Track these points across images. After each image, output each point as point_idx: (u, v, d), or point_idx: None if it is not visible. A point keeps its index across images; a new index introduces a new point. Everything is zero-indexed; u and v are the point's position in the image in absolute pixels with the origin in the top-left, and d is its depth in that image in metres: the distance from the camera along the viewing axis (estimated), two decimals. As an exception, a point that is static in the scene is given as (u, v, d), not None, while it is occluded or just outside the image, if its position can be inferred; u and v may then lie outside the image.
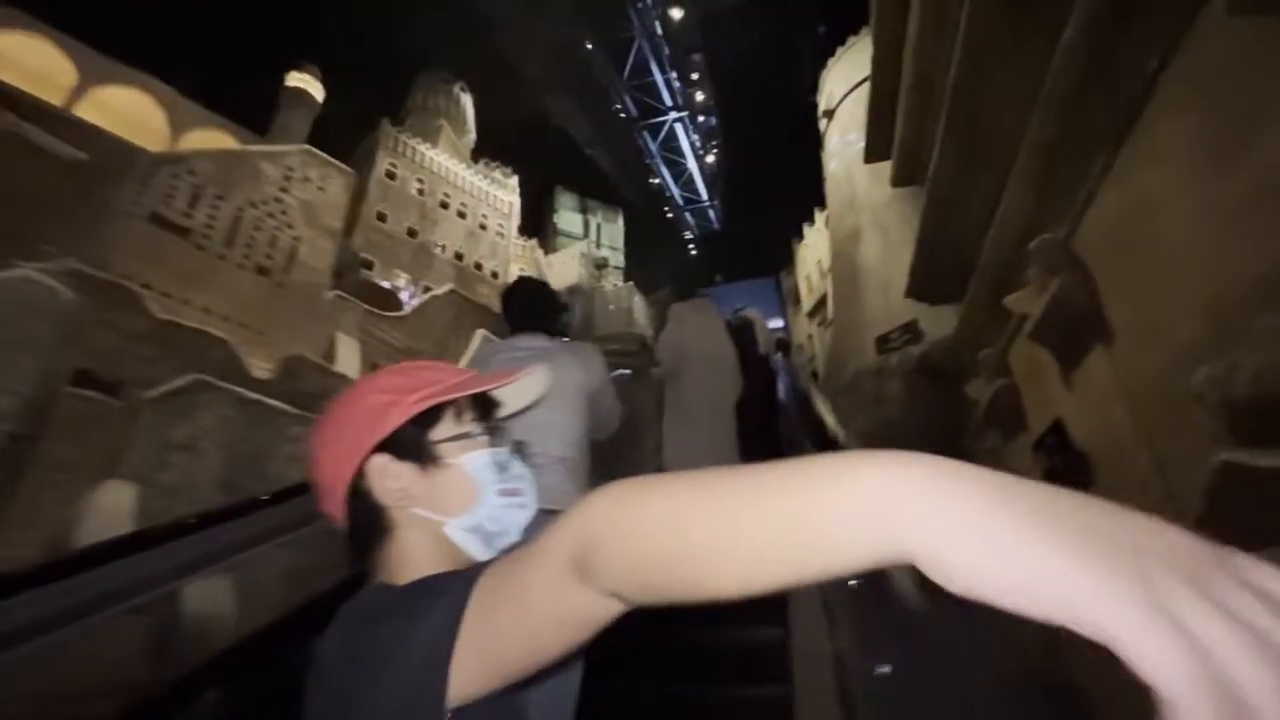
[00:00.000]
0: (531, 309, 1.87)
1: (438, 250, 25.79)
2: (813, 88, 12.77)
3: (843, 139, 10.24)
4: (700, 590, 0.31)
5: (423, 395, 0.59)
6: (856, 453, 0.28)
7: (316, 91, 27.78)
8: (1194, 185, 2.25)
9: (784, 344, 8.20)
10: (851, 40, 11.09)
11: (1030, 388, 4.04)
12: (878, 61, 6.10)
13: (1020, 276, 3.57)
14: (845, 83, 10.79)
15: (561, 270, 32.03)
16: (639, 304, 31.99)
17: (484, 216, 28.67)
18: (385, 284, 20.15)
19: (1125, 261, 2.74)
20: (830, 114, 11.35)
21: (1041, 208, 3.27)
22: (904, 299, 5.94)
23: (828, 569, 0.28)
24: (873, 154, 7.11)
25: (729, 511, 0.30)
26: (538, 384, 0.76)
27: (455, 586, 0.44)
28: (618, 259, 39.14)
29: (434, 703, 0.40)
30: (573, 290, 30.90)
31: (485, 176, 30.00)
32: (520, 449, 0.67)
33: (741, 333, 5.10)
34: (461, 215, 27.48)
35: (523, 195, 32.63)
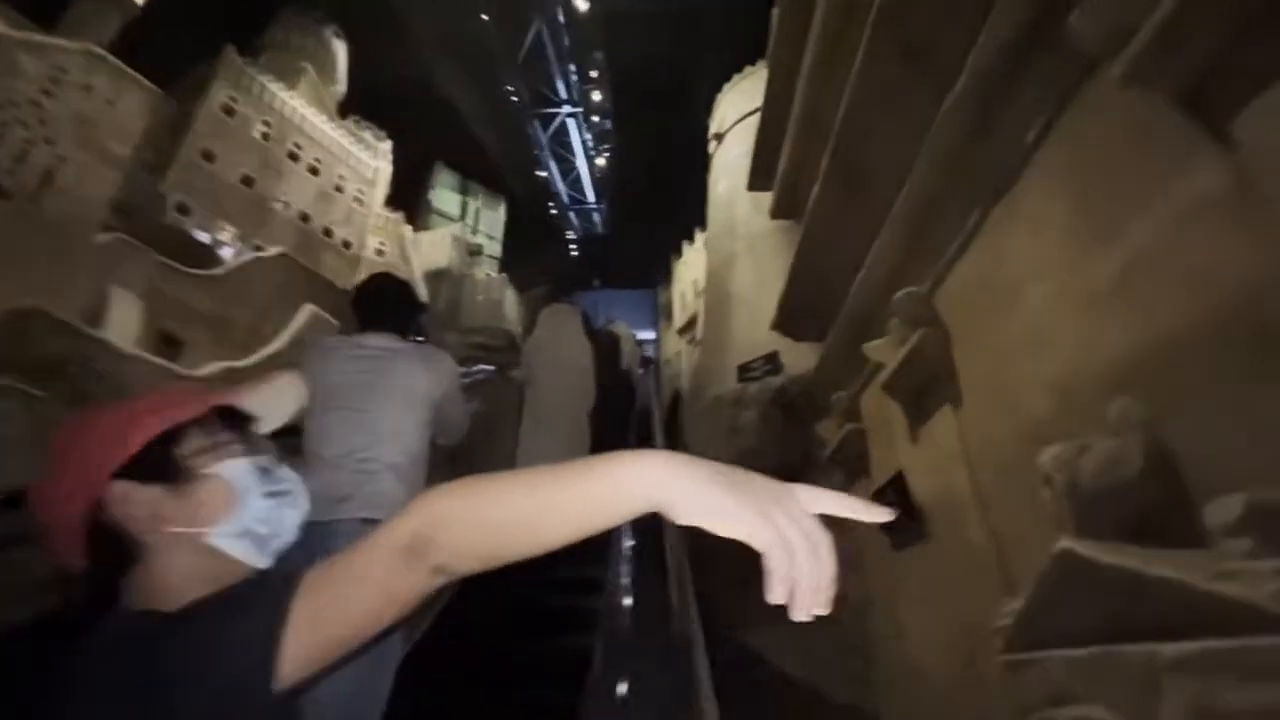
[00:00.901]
0: (385, 308, 1.82)
1: (279, 206, 22.56)
2: (707, 109, 12.94)
3: (729, 164, 10.39)
4: (533, 548, 0.49)
5: (164, 414, 0.60)
6: (626, 451, 0.50)
7: (134, -14, 23.12)
8: (1060, 258, 2.20)
9: (648, 361, 7.99)
10: (748, 69, 11.35)
11: (877, 436, 4.08)
12: (770, 91, 6.06)
13: (882, 325, 3.55)
14: (737, 109, 11.00)
15: (431, 251, 29.80)
16: (511, 298, 30.75)
17: (342, 178, 25.72)
18: (203, 236, 17.01)
19: (983, 325, 2.73)
20: (720, 137, 11.52)
21: (912, 259, 3.23)
22: (769, 330, 5.94)
23: (617, 517, 0.49)
24: (756, 183, 7.13)
25: (547, 491, 0.49)
26: (292, 397, 0.88)
27: (274, 585, 0.50)
28: (494, 248, 37.36)
29: (263, 681, 0.46)
30: (441, 274, 28.92)
31: (352, 136, 27.03)
32: (282, 456, 0.68)
33: (607, 346, 5.05)
34: (314, 172, 24.36)
35: (397, 166, 29.95)
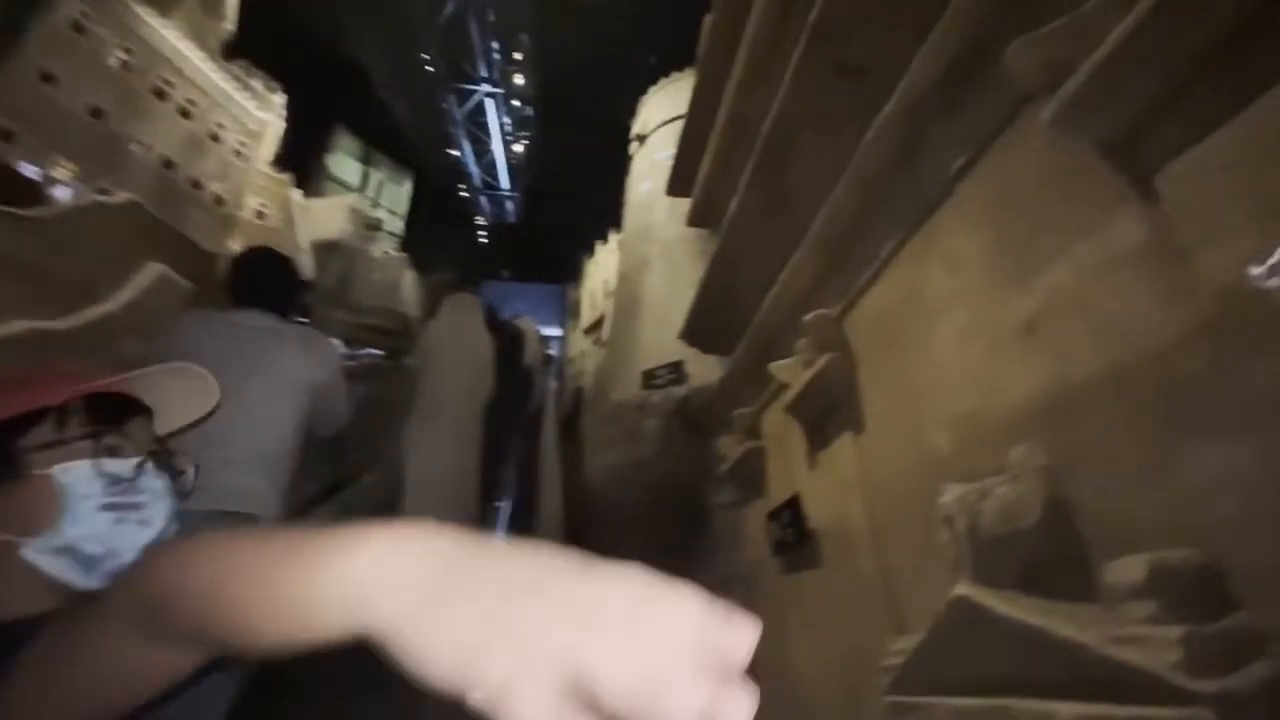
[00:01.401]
0: (265, 285, 1.70)
1: (136, 149, 19.53)
2: (631, 110, 12.79)
3: (650, 167, 10.28)
4: (238, 641, 0.34)
5: (8, 396, 0.55)
6: (367, 529, 0.31)
7: None
8: (974, 296, 2.17)
9: (551, 359, 7.73)
10: (676, 75, 11.33)
11: (776, 456, 4.05)
12: (697, 97, 5.96)
13: (790, 344, 3.50)
14: (662, 113, 10.93)
15: (323, 219, 27.31)
16: (410, 281, 28.92)
17: (221, 126, 22.83)
18: (30, 169, 14.23)
19: (891, 355, 2.71)
20: (643, 139, 11.40)
21: (826, 281, 3.18)
22: (677, 339, 5.83)
23: (319, 636, 0.31)
24: (675, 188, 7.02)
25: (257, 579, 0.33)
26: (203, 389, 0.71)
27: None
28: (396, 225, 34.96)
29: None
30: (332, 246, 26.68)
31: (237, 82, 24.16)
32: (152, 462, 0.63)
33: (510, 341, 4.82)
34: (185, 115, 21.38)
35: (291, 124, 27.12)
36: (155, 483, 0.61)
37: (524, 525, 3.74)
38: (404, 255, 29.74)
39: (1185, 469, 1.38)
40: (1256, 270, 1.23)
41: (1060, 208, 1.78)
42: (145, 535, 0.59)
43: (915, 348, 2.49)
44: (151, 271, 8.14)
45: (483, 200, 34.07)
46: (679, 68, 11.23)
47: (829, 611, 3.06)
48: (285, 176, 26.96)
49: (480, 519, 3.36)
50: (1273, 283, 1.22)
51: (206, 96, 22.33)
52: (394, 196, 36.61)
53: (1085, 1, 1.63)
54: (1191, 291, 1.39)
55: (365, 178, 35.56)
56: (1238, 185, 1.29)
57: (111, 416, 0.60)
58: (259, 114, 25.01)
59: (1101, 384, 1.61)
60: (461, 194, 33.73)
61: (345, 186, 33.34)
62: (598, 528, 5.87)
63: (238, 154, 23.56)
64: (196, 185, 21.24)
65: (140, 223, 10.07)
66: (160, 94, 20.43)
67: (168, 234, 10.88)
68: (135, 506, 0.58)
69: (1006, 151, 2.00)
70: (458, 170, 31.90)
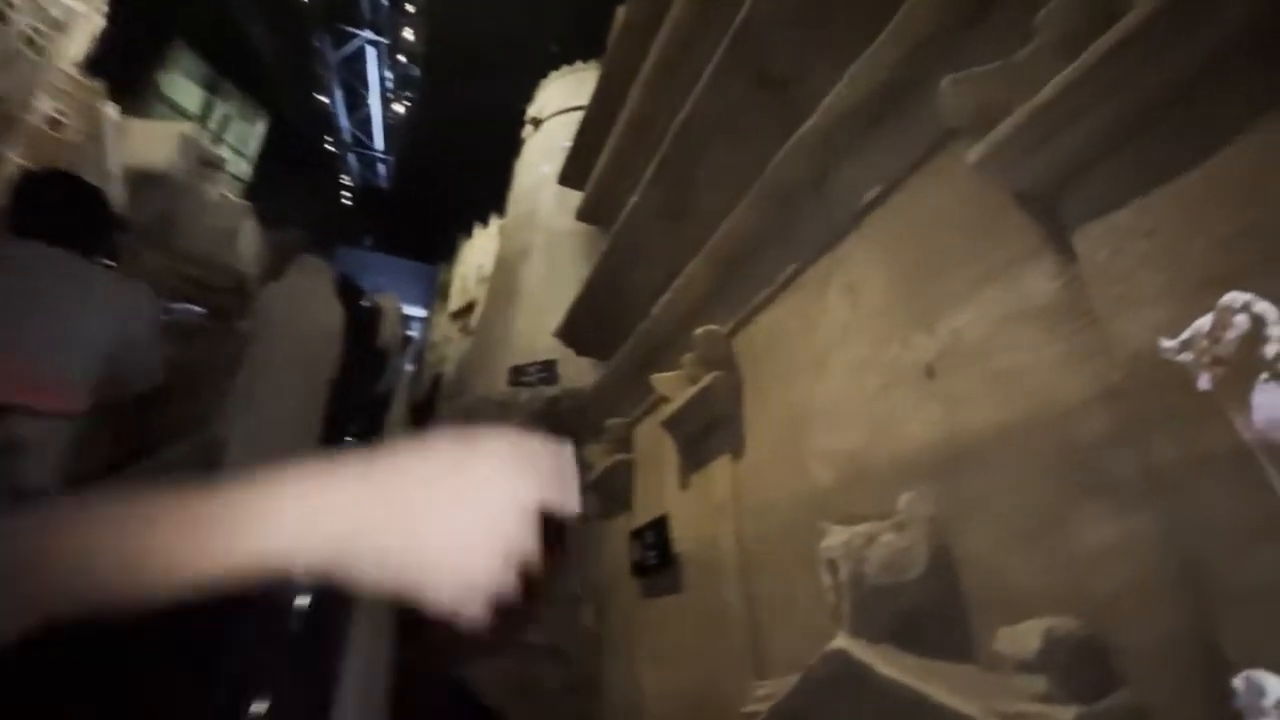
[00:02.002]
0: (62, 216, 1.43)
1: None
2: (526, 93, 12.19)
3: (543, 154, 9.82)
4: (125, 597, 0.34)
5: None
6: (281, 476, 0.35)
7: None
8: (872, 332, 2.11)
9: (410, 340, 7.06)
10: (581, 66, 10.96)
11: (646, 472, 3.86)
12: (602, 86, 5.68)
13: (675, 357, 3.33)
14: (562, 100, 10.51)
15: (145, 145, 22.80)
16: (252, 234, 25.27)
17: (10, 5, 18.24)
18: None
19: (780, 381, 2.61)
20: (538, 123, 10.88)
21: (719, 296, 3.04)
22: (552, 336, 5.47)
23: (245, 570, 0.33)
24: (568, 179, 6.67)
25: (150, 534, 0.34)
26: None
27: None
28: (241, 168, 30.36)
29: None
30: (156, 179, 22.56)
31: (42, -46, 19.48)
32: None
33: (364, 315, 4.24)
34: (-41, -21, 16.77)
35: (120, 26, 22.39)
36: None
37: None
38: (247, 203, 25.84)
39: (1078, 535, 1.35)
40: (1168, 343, 1.19)
41: (972, 252, 1.74)
42: None
43: (805, 376, 2.41)
44: None
45: (351, 159, 30.79)
46: (583, 58, 10.90)
47: (686, 644, 2.90)
48: (97, 85, 22.21)
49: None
50: (1184, 357, 1.20)
51: (-9, -39, 17.69)
52: (242, 135, 31.71)
53: (1023, 46, 1.60)
54: (1099, 355, 1.37)
55: (208, 108, 30.38)
56: (1158, 254, 1.27)
57: None
58: (71, 3, 20.39)
59: (998, 438, 1.57)
60: (327, 147, 30.21)
61: (180, 112, 28.17)
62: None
63: (30, 42, 18.94)
64: (-41, 70, 16.68)
65: None
66: (-83, -58, 15.73)
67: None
68: None
69: (922, 188, 1.95)
70: (325, 120, 28.44)
